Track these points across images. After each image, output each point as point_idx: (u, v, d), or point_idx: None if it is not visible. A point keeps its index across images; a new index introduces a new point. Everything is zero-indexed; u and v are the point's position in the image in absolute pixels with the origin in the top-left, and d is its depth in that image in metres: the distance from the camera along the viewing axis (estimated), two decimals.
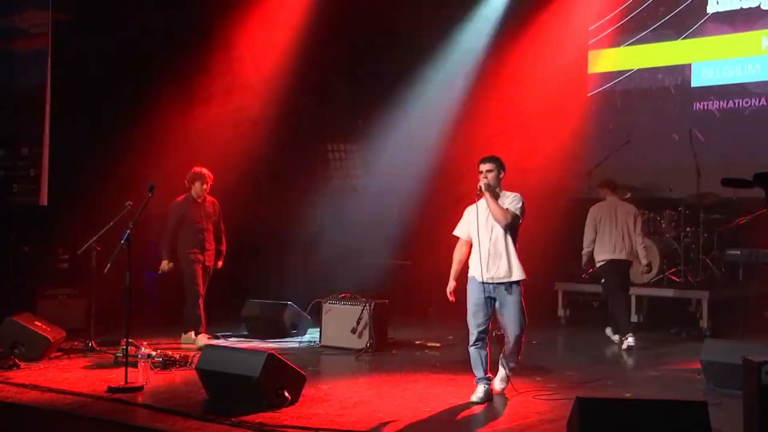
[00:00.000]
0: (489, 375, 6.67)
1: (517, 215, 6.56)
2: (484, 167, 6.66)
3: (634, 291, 10.68)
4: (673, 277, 10.71)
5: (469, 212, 6.72)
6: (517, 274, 6.56)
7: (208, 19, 11.22)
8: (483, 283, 6.55)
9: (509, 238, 6.57)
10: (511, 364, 6.80)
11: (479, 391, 6.59)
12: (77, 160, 10.59)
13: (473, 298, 6.63)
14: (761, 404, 5.09)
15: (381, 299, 9.10)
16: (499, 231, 6.57)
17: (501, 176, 6.69)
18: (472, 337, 6.62)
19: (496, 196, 6.61)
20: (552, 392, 6.88)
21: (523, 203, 6.64)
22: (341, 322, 9.06)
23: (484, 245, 6.58)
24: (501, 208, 6.54)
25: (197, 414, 6.06)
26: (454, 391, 7.00)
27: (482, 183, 6.57)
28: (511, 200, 6.63)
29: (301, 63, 11.71)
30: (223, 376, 6.43)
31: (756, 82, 11.23)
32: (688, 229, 10.72)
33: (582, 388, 7.13)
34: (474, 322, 6.60)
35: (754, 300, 9.82)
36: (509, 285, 6.56)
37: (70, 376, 7.39)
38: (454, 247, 6.87)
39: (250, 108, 11.29)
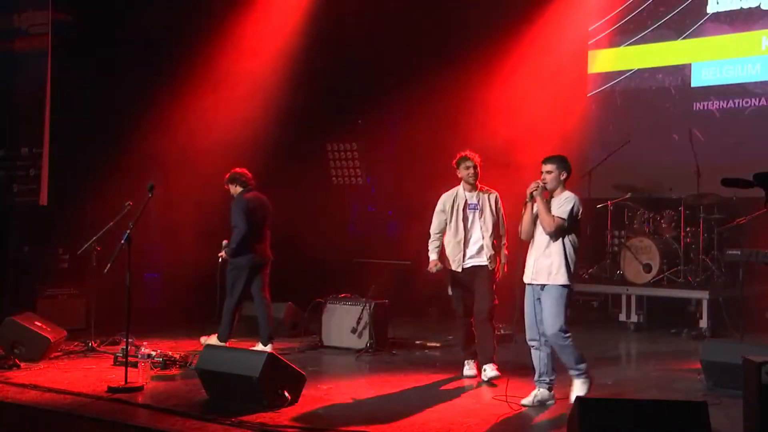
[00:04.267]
0: (545, 378, 6.51)
1: (562, 221, 6.33)
2: (544, 168, 6.47)
3: (634, 291, 10.70)
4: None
5: (524, 212, 6.53)
6: (554, 277, 6.36)
7: (208, 18, 11.21)
8: (529, 284, 6.51)
9: (556, 241, 6.36)
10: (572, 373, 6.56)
11: (531, 394, 6.49)
12: (77, 160, 10.58)
13: (525, 299, 6.56)
14: (761, 404, 5.09)
15: (381, 299, 9.10)
16: (544, 233, 6.42)
17: (563, 177, 6.47)
18: (527, 337, 6.57)
19: (549, 198, 6.45)
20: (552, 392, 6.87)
21: (574, 205, 6.38)
22: (341, 322, 9.07)
23: (533, 247, 6.50)
24: (548, 215, 6.33)
25: (197, 414, 6.07)
26: (454, 391, 7.01)
27: (531, 189, 6.36)
28: (560, 203, 6.41)
29: (301, 61, 11.72)
30: (223, 376, 6.43)
31: (756, 82, 11.20)
32: (688, 229, 10.71)
33: None
34: (525, 322, 6.55)
35: (754, 300, 9.81)
36: (547, 287, 6.37)
37: (70, 376, 7.39)
38: None
39: (247, 108, 11.28)
